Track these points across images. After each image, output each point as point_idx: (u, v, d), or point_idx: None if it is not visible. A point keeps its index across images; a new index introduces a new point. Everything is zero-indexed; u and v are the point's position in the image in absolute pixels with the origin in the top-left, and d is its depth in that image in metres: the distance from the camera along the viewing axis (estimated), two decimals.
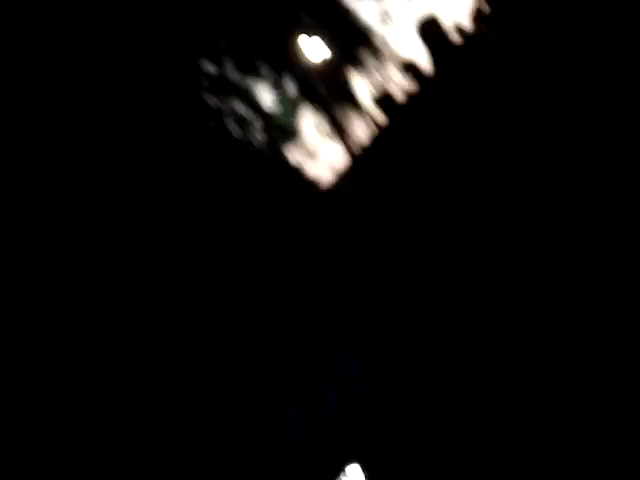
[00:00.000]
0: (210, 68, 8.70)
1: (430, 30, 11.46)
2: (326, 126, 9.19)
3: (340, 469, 4.75)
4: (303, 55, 9.37)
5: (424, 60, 10.09)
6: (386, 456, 4.34)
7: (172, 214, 7.03)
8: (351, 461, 4.53)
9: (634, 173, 4.84)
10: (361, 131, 9.48)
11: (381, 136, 9.09)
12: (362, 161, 8.94)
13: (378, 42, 10.16)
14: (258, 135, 8.93)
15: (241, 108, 8.97)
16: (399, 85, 9.70)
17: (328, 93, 9.43)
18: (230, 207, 7.90)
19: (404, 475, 4.08)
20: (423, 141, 8.57)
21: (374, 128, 9.23)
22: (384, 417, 4.70)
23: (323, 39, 9.59)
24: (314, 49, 9.50)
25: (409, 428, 4.44)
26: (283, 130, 9.11)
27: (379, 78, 9.69)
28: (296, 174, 8.77)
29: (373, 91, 9.65)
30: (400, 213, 8.04)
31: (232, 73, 8.91)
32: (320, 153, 9.18)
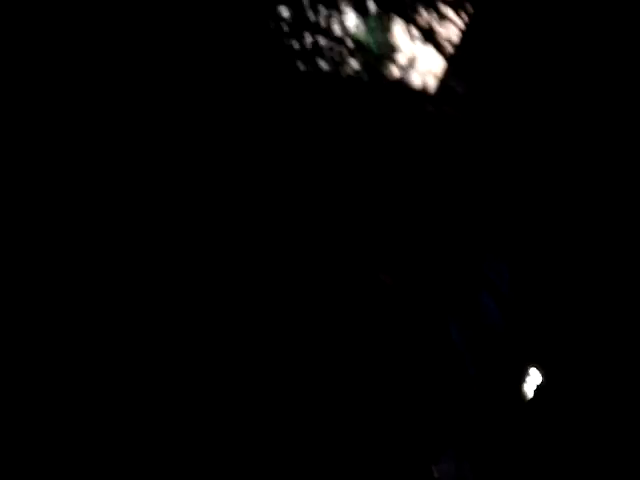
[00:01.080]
0: (284, 11, 8.95)
1: None
2: (416, 33, 9.30)
3: (520, 379, 4.38)
4: None
5: None
6: (562, 356, 4.20)
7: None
8: (528, 367, 4.69)
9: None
10: (452, 30, 9.52)
11: (474, 28, 8.99)
12: (462, 59, 9.02)
13: None
14: (352, 63, 8.84)
15: (326, 43, 8.90)
16: None
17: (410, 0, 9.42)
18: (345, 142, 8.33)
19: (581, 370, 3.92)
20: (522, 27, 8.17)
21: (464, 23, 9.21)
22: (543, 314, 4.57)
23: None
24: None
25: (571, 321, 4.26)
26: (375, 50, 8.93)
27: None
28: (401, 88, 9.05)
29: None
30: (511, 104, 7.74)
31: (308, 11, 9.11)
32: (418, 61, 9.35)
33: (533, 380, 4.29)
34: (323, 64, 9.16)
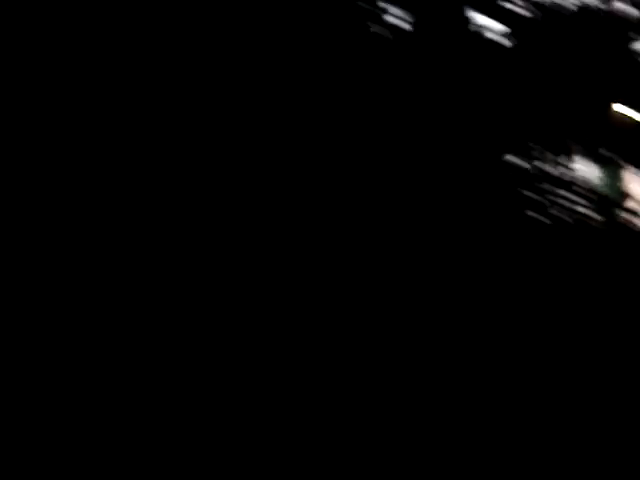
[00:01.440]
0: (513, 158, 9.04)
1: None
2: None
3: None
4: (613, 120, 9.08)
5: None
6: None
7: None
8: None
9: None
10: None
11: None
12: None
13: None
14: (589, 213, 8.69)
15: (559, 191, 8.79)
16: None
17: None
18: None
19: None
20: None
21: None
22: None
23: (623, 98, 9.18)
24: (619, 110, 9.07)
25: None
26: (613, 200, 8.82)
27: None
28: None
29: None
30: None
31: (536, 158, 9.06)
32: None
33: None
34: (558, 213, 8.81)
